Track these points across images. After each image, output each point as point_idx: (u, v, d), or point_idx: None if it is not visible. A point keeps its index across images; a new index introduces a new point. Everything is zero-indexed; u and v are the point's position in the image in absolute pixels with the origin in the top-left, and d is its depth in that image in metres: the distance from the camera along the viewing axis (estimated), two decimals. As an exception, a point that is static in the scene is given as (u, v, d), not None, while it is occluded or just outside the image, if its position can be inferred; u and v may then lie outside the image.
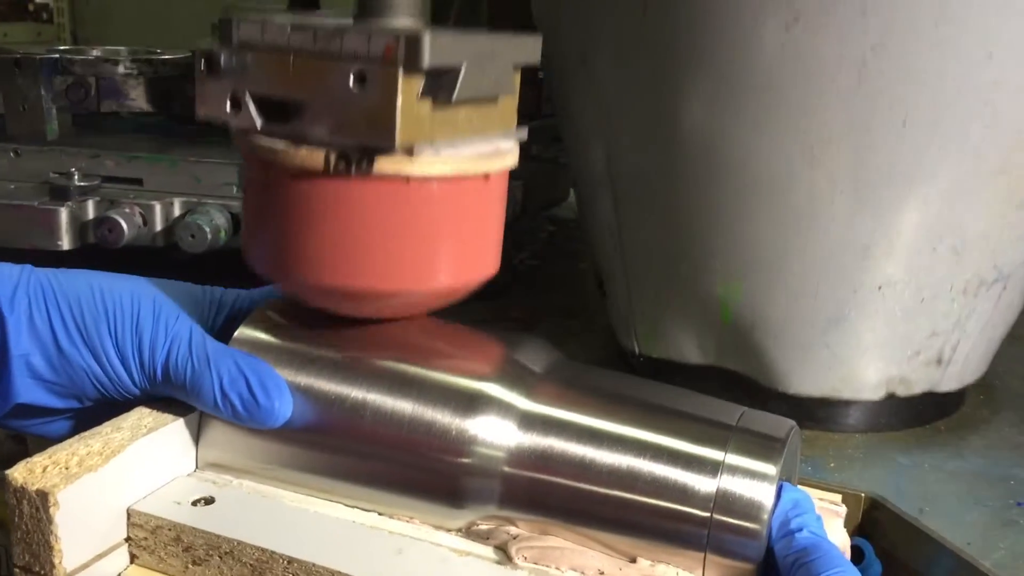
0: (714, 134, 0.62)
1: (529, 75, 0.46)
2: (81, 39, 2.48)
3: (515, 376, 0.46)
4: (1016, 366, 0.82)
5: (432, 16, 1.51)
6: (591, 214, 0.75)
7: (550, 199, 1.16)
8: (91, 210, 0.82)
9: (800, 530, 0.41)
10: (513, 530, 0.45)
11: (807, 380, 0.67)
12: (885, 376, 0.67)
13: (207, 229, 0.80)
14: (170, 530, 0.44)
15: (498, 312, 0.88)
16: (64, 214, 0.81)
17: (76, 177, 0.83)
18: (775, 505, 0.42)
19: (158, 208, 0.83)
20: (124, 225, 0.81)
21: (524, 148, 0.46)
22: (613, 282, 0.76)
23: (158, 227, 0.83)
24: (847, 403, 0.68)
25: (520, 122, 0.46)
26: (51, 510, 0.41)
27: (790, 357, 0.67)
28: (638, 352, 0.74)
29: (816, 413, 0.68)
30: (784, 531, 0.41)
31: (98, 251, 0.82)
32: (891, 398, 0.68)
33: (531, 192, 0.97)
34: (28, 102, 0.93)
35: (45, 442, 0.46)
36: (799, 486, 0.50)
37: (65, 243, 0.81)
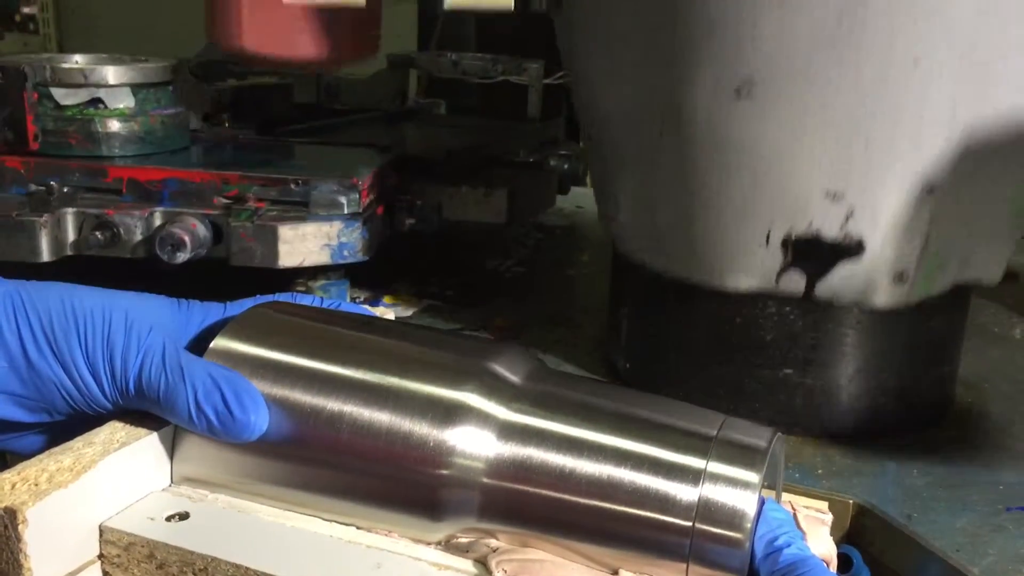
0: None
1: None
2: (67, 49, 2.47)
3: (494, 385, 0.46)
4: (1004, 369, 0.82)
5: (418, 35, 1.53)
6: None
7: (537, 206, 1.16)
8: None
9: (788, 546, 0.41)
10: (493, 543, 0.44)
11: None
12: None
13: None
14: (143, 547, 0.43)
15: (482, 320, 0.88)
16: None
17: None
18: (758, 520, 0.42)
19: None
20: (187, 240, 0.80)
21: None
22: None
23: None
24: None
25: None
26: (20, 528, 0.40)
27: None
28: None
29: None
30: (770, 550, 0.41)
31: (81, 263, 0.81)
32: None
33: (517, 199, 0.96)
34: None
35: (24, 458, 0.45)
36: (784, 494, 0.50)
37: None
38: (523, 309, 0.93)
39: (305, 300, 0.55)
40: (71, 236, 0.81)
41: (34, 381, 0.46)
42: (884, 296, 0.65)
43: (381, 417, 0.45)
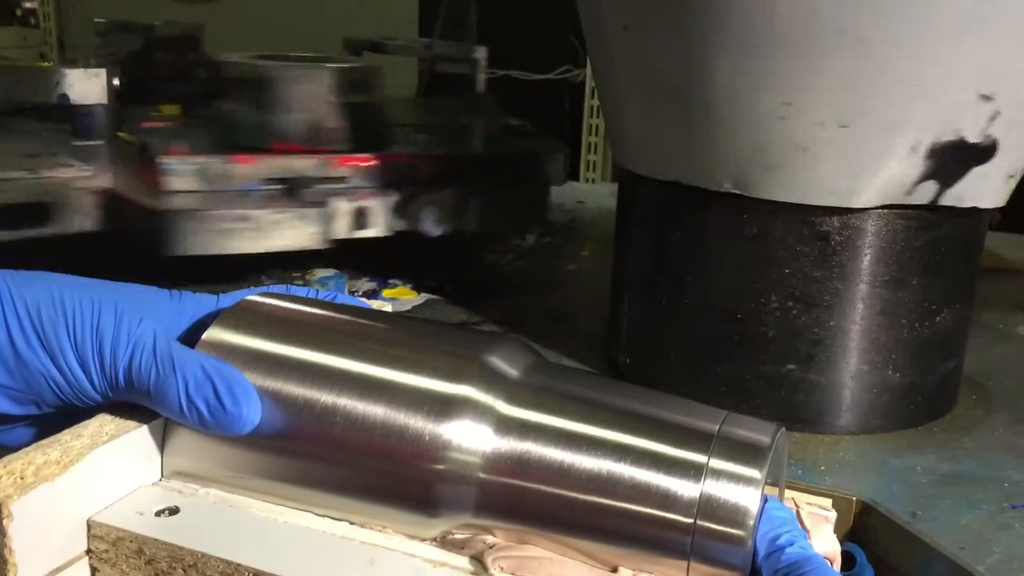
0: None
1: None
2: (67, 44, 2.46)
3: (491, 379, 0.45)
4: (1009, 365, 0.81)
5: (419, 21, 1.52)
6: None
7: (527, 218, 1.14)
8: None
9: (791, 544, 0.40)
10: (490, 539, 0.43)
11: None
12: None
13: None
14: (132, 542, 0.42)
15: (481, 314, 0.87)
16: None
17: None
18: (760, 517, 0.41)
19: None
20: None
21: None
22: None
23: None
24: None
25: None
26: (4, 522, 0.39)
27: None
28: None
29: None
30: (772, 548, 0.40)
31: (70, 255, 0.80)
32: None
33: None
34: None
35: (13, 451, 0.44)
36: (787, 491, 0.49)
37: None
38: (522, 303, 0.92)
39: (300, 292, 0.54)
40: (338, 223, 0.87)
41: (22, 372, 0.45)
42: (993, 197, 0.64)
43: (376, 410, 0.44)
